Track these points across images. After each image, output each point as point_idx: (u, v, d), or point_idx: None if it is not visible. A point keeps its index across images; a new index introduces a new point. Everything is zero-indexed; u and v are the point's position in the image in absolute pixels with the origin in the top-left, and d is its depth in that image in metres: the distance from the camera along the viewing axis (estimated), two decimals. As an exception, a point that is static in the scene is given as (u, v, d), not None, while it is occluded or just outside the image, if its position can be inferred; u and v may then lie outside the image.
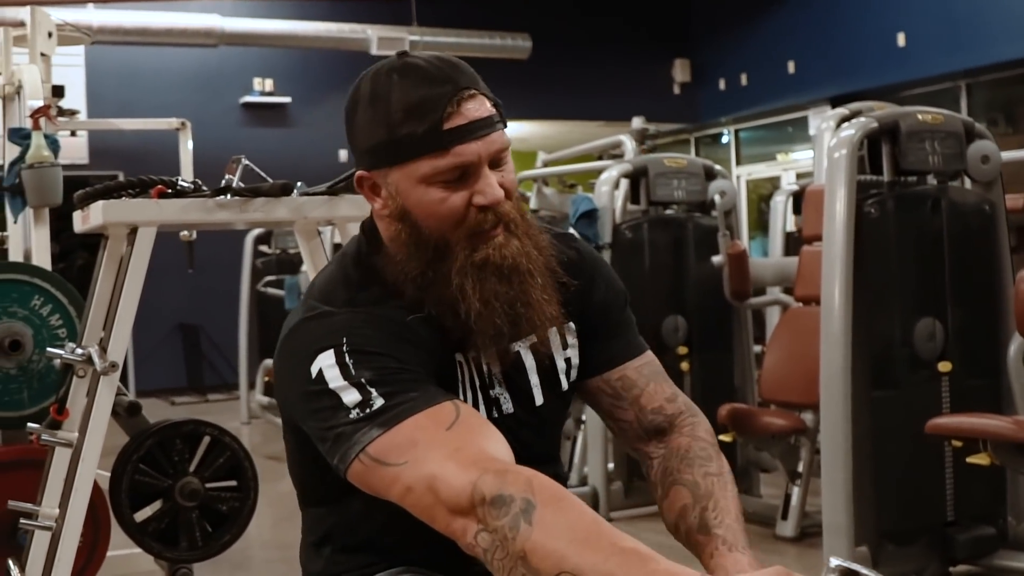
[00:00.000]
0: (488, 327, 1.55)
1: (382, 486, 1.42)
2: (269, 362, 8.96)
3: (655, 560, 1.19)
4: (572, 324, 1.71)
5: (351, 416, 1.43)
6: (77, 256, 11.22)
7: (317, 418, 1.48)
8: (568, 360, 1.72)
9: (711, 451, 1.71)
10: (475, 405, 1.62)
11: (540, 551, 1.24)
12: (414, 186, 1.54)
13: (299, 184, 2.94)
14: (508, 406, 1.66)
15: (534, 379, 1.68)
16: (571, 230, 4.85)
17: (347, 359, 1.46)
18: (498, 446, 1.41)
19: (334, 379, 1.45)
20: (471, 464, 1.34)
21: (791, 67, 13.19)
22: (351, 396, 1.44)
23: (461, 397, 1.60)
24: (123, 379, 12.06)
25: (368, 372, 1.45)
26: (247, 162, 2.95)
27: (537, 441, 1.71)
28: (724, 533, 1.59)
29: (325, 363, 1.46)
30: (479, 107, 1.54)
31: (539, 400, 1.69)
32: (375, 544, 1.64)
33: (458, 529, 1.34)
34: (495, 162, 1.56)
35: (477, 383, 1.63)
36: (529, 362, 1.67)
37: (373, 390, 1.43)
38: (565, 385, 1.73)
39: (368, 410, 1.42)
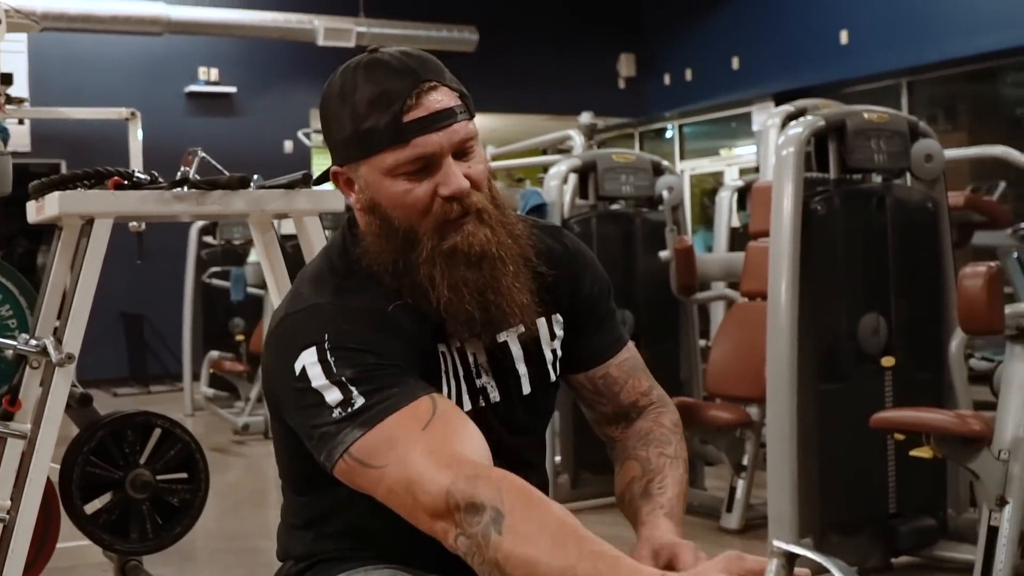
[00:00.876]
0: (459, 313, 1.57)
1: (367, 485, 1.45)
2: (215, 354, 8.93)
3: (621, 560, 1.25)
4: (559, 316, 1.73)
5: (334, 416, 1.46)
6: (17, 244, 11.11)
7: (302, 415, 1.51)
8: (555, 351, 1.74)
9: (671, 436, 1.77)
10: (459, 395, 1.64)
11: (512, 559, 1.30)
12: (380, 179, 1.56)
13: (255, 177, 2.95)
14: (495, 395, 1.68)
15: (522, 368, 1.70)
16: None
17: (328, 356, 1.48)
18: (473, 443, 1.45)
19: (316, 377, 1.48)
20: (444, 467, 1.38)
21: (735, 63, 13.29)
22: (333, 395, 1.46)
23: (445, 387, 1.62)
24: (66, 369, 11.59)
25: (349, 370, 1.47)
26: (203, 155, 2.95)
27: (525, 431, 1.74)
28: (662, 500, 1.66)
29: (308, 360, 1.49)
30: (440, 99, 1.55)
31: (526, 389, 1.71)
32: (360, 529, 1.66)
33: (439, 531, 1.38)
34: (460, 152, 1.57)
35: (461, 372, 1.65)
36: (516, 351, 1.68)
37: (354, 389, 1.46)
38: (553, 376, 1.75)
39: (349, 409, 1.45)
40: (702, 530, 5.13)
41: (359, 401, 1.45)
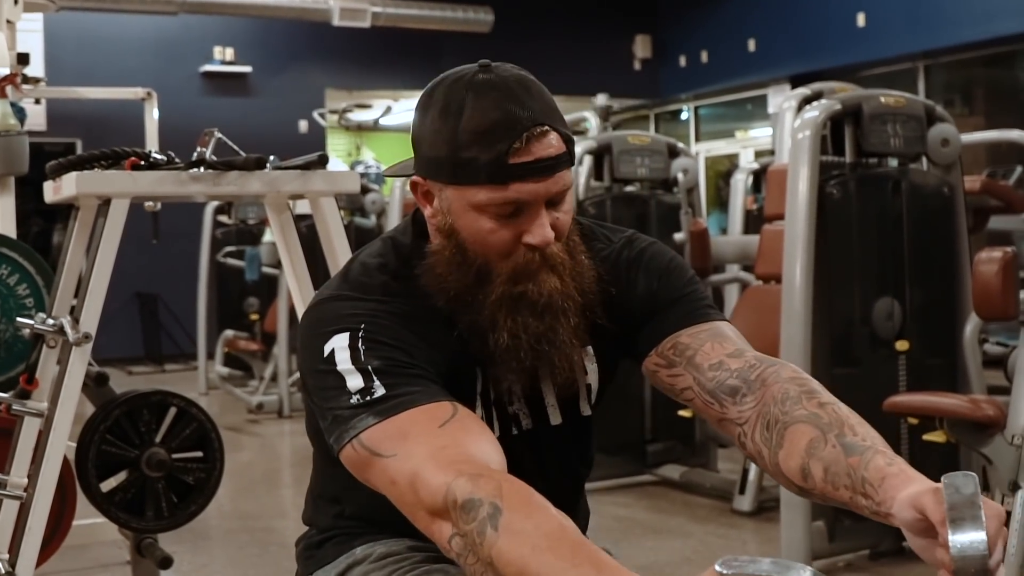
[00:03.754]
0: (511, 360, 1.55)
1: (371, 475, 1.43)
2: (229, 333, 8.96)
3: (613, 567, 1.22)
4: (591, 348, 1.67)
5: (351, 401, 1.44)
6: (33, 223, 11.15)
7: (320, 396, 1.49)
8: (589, 387, 1.70)
9: (813, 384, 1.50)
10: (490, 421, 1.61)
11: (505, 557, 1.25)
12: (467, 210, 1.52)
13: (271, 158, 2.95)
14: (527, 422, 1.65)
15: (550, 399, 1.66)
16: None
17: (360, 344, 1.47)
18: (487, 449, 1.40)
19: (343, 362, 1.46)
20: (449, 465, 1.34)
21: (751, 45, 13.24)
22: (355, 381, 1.45)
23: (478, 410, 1.59)
24: (82, 348, 11.65)
25: (377, 361, 1.46)
26: (220, 135, 2.95)
27: (558, 462, 1.69)
28: (883, 449, 1.37)
29: (338, 344, 1.48)
30: (547, 146, 1.50)
31: (555, 420, 1.67)
32: (385, 513, 1.65)
33: (435, 531, 1.35)
34: (552, 201, 1.53)
35: (493, 397, 1.62)
36: (547, 385, 1.64)
37: (377, 379, 1.44)
38: (586, 410, 1.71)
39: (368, 397, 1.44)
40: (715, 512, 5.14)
41: (379, 391, 1.43)
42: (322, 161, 2.90)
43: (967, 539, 1.18)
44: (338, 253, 2.91)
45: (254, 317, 9.21)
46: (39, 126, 11.17)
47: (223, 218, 9.66)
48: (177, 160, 2.89)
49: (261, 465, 7.06)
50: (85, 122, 11.23)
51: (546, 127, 1.50)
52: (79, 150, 10.98)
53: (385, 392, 1.44)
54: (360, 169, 14.65)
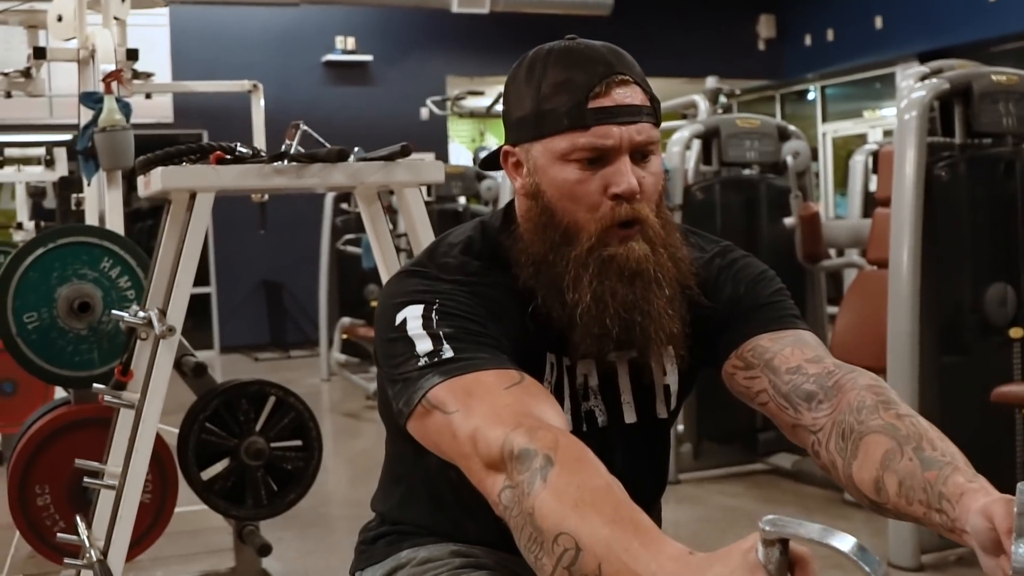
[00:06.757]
0: (593, 325, 1.51)
1: (434, 431, 1.41)
2: (346, 320, 9.06)
3: (652, 531, 1.15)
4: (671, 349, 1.62)
5: (420, 364, 1.43)
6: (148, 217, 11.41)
7: (391, 363, 1.48)
8: (667, 387, 1.66)
9: (890, 395, 1.44)
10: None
11: (546, 509, 1.21)
12: (552, 162, 1.52)
13: (356, 149, 2.96)
14: (603, 419, 1.63)
15: (627, 396, 1.63)
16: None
17: (433, 315, 1.47)
18: (550, 412, 1.37)
19: (414, 328, 1.46)
20: (510, 418, 1.32)
21: (878, 22, 12.95)
22: (424, 345, 1.44)
23: None
24: (207, 336, 12.20)
25: (447, 328, 1.45)
26: (305, 127, 2.98)
27: (634, 462, 1.64)
28: (963, 467, 1.28)
29: (411, 314, 1.48)
30: (629, 94, 1.50)
31: (630, 419, 1.64)
32: (445, 496, 1.64)
33: (488, 485, 1.32)
34: (639, 154, 1.52)
35: (567, 391, 1.60)
36: (624, 379, 1.62)
37: (446, 343, 1.44)
38: (663, 413, 1.67)
39: (436, 359, 1.42)
40: (824, 502, 5.04)
41: (448, 353, 1.42)
42: (405, 152, 2.90)
43: None
44: (423, 243, 2.91)
45: (373, 304, 9.28)
46: (166, 118, 11.47)
47: (344, 206, 9.77)
48: (263, 153, 2.93)
49: (376, 452, 7.09)
50: (209, 114, 11.45)
51: (627, 76, 1.51)
52: (206, 140, 11.21)
53: (454, 355, 1.42)
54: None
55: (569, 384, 1.60)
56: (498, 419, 1.33)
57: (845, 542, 0.99)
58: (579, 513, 1.18)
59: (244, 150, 2.88)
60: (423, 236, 2.93)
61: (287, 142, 2.96)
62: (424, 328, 1.45)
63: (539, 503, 1.22)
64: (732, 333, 1.60)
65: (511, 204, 1.65)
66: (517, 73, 1.57)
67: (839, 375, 1.49)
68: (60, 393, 4.30)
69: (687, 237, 1.67)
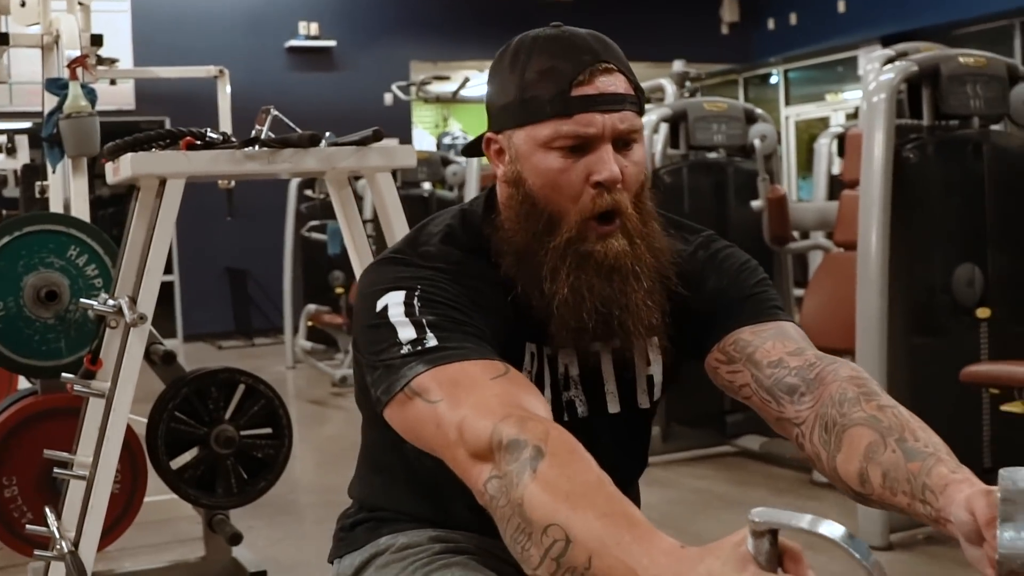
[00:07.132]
0: (570, 317, 1.51)
1: (415, 419, 1.39)
2: (312, 307, 9.03)
3: (644, 525, 1.14)
4: (655, 340, 1.62)
5: (402, 351, 1.42)
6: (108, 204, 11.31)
7: (371, 349, 1.47)
8: (650, 378, 1.66)
9: (872, 385, 1.44)
10: None
11: (535, 500, 1.19)
12: (534, 150, 1.51)
13: (327, 134, 2.94)
14: (583, 409, 1.63)
15: (610, 387, 1.63)
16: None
17: (415, 302, 1.45)
18: (536, 404, 1.36)
19: (396, 315, 1.44)
20: (499, 408, 1.31)
21: (841, 6, 13.01)
22: (407, 333, 1.42)
23: None
24: (171, 324, 12.10)
25: (430, 316, 1.44)
26: (276, 112, 2.95)
27: (614, 453, 1.57)
28: (946, 458, 1.29)
29: (392, 300, 1.46)
30: (613, 82, 1.51)
31: (613, 409, 1.64)
32: (425, 482, 1.63)
33: (474, 475, 1.30)
34: (622, 143, 1.52)
35: (548, 381, 1.59)
36: (607, 368, 1.62)
37: (430, 331, 1.42)
38: (645, 403, 1.67)
39: (420, 347, 1.41)
40: (795, 484, 5.07)
41: (432, 342, 1.41)
42: (377, 136, 2.88)
43: (1017, 534, 1.08)
44: (395, 228, 2.90)
45: (339, 291, 9.25)
46: (128, 105, 11.37)
47: (308, 192, 9.72)
48: (233, 139, 2.89)
49: (345, 439, 7.09)
50: (172, 100, 11.36)
51: (611, 65, 1.51)
52: (168, 127, 11.13)
53: (438, 343, 1.41)
54: (447, 140, 14.68)
55: (550, 374, 1.60)
56: (487, 409, 1.31)
57: (835, 530, 0.99)
58: (570, 505, 1.17)
59: (214, 136, 2.85)
60: (395, 221, 2.91)
61: (257, 127, 2.92)
62: (407, 315, 1.44)
63: (528, 494, 1.21)
64: (716, 325, 1.60)
65: (492, 191, 1.64)
66: (501, 60, 1.56)
67: (820, 367, 1.49)
68: (23, 384, 4.26)
69: (669, 227, 1.65)
